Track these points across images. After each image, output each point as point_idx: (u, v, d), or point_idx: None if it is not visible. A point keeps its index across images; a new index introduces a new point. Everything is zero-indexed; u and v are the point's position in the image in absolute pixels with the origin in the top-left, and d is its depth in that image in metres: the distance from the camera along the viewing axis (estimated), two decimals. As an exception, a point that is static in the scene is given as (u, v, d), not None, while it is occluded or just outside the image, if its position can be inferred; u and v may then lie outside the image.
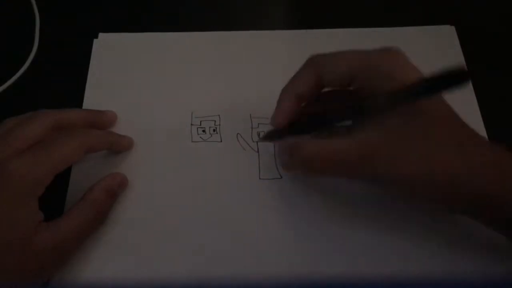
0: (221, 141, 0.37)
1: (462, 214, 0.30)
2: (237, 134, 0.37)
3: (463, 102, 0.38)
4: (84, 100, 0.39)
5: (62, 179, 0.33)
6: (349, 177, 0.31)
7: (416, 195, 0.29)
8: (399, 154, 0.28)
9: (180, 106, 0.38)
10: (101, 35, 0.42)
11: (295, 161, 0.31)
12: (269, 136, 0.34)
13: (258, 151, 0.36)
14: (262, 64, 0.41)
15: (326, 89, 0.32)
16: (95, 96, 0.39)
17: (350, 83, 0.29)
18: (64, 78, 0.41)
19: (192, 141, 0.37)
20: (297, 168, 0.32)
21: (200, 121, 0.38)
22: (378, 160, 0.28)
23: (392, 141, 0.28)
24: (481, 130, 0.37)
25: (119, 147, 0.36)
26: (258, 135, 0.37)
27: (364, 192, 0.34)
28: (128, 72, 0.40)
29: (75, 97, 0.39)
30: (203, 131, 0.37)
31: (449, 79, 0.25)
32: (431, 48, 0.42)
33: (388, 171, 0.28)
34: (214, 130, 0.37)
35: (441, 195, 0.28)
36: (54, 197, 0.30)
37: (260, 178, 0.35)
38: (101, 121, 0.36)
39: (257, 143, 0.36)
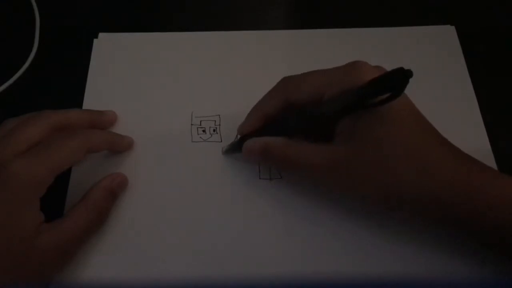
0: (221, 141, 0.37)
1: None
2: (237, 134, 0.37)
3: (464, 102, 0.39)
4: (84, 100, 0.39)
5: (62, 179, 0.33)
6: (314, 182, 0.33)
7: (380, 209, 0.31)
8: (357, 174, 0.29)
9: (180, 106, 0.38)
10: (101, 35, 0.42)
11: (264, 162, 0.33)
12: (233, 148, 0.35)
13: (258, 151, 0.36)
14: (262, 64, 0.41)
15: None
16: (95, 96, 0.39)
17: (318, 102, 0.30)
18: (64, 78, 0.41)
19: (192, 141, 0.37)
20: (264, 165, 0.35)
21: (200, 121, 0.38)
22: (343, 174, 0.29)
23: (356, 157, 0.28)
24: (482, 130, 0.37)
25: (119, 147, 0.36)
26: None
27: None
28: (128, 72, 0.40)
29: (75, 97, 0.39)
30: (203, 131, 0.37)
31: (391, 79, 0.25)
32: (431, 48, 0.42)
33: (348, 188, 0.30)
34: (214, 130, 0.37)
35: (402, 216, 0.30)
36: (54, 198, 0.30)
37: (260, 178, 0.35)
38: (101, 121, 0.36)
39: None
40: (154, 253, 0.32)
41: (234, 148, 0.35)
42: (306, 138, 0.31)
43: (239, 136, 0.35)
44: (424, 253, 0.32)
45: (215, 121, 0.38)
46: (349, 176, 0.29)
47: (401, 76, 0.24)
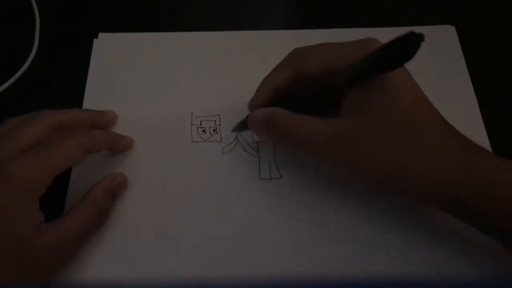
0: (221, 141, 0.37)
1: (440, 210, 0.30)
2: (237, 134, 0.37)
3: (464, 102, 0.39)
4: (84, 100, 0.39)
5: (62, 179, 0.33)
6: (317, 156, 0.32)
7: (381, 187, 0.31)
8: (360, 148, 0.28)
9: (180, 106, 0.38)
10: (101, 35, 0.42)
11: (269, 133, 0.32)
12: (242, 125, 0.35)
13: (258, 151, 0.36)
14: (262, 64, 0.40)
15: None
16: (95, 96, 0.39)
17: (329, 74, 0.29)
18: (64, 78, 0.41)
19: (192, 141, 0.37)
20: (268, 136, 0.33)
21: (200, 121, 0.38)
22: (347, 148, 0.28)
23: (359, 131, 0.28)
24: (482, 130, 0.37)
25: (119, 147, 0.36)
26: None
27: (364, 192, 0.34)
28: (128, 72, 0.40)
29: (75, 97, 0.39)
30: (203, 131, 0.37)
31: (401, 45, 0.25)
32: (431, 48, 0.41)
33: (349, 163, 0.29)
34: (214, 130, 0.37)
35: (408, 192, 0.29)
36: (54, 198, 0.30)
37: (260, 178, 0.35)
38: (101, 121, 0.36)
39: (257, 143, 0.37)
40: (154, 253, 0.32)
41: (243, 126, 0.34)
42: (315, 113, 0.30)
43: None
44: (424, 253, 0.32)
45: (215, 121, 0.38)
46: (351, 150, 0.28)
47: (414, 39, 0.24)
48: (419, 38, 0.24)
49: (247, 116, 0.34)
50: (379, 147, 0.28)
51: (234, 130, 0.36)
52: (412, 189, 0.29)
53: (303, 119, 0.30)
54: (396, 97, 0.28)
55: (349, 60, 0.28)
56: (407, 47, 0.24)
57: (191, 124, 0.38)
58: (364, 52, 0.27)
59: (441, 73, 0.40)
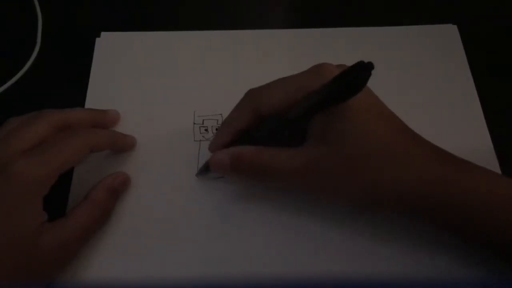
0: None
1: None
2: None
3: (466, 101, 0.39)
4: (87, 99, 0.39)
5: (64, 179, 0.33)
6: (290, 187, 0.32)
7: (359, 208, 0.31)
8: (332, 175, 0.28)
9: (182, 105, 0.38)
10: (103, 34, 0.42)
11: (237, 172, 0.31)
12: (206, 168, 0.34)
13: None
14: (264, 63, 0.41)
15: None
16: (98, 95, 0.39)
17: (286, 109, 0.29)
18: (66, 77, 0.41)
19: (194, 140, 0.37)
20: (237, 177, 0.32)
21: (203, 120, 0.38)
22: (319, 175, 0.28)
23: (329, 158, 0.28)
24: (483, 129, 0.37)
25: (122, 146, 0.36)
26: None
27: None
28: (131, 71, 0.40)
29: (78, 96, 0.39)
30: (206, 130, 0.37)
31: (353, 74, 0.24)
32: (433, 47, 0.42)
33: (324, 190, 0.29)
34: (216, 129, 0.37)
35: (384, 210, 0.30)
36: (56, 197, 0.30)
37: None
38: (104, 121, 0.36)
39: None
40: (155, 253, 0.32)
41: (208, 168, 0.33)
42: (280, 144, 0.30)
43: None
44: (425, 253, 0.32)
45: (217, 120, 0.38)
46: (324, 178, 0.28)
47: (363, 69, 0.24)
48: (368, 66, 0.24)
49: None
50: (347, 171, 0.28)
51: (198, 174, 0.35)
52: (387, 205, 0.29)
53: (272, 152, 0.29)
54: (354, 120, 0.28)
55: (305, 90, 0.28)
56: (357, 77, 0.24)
57: (194, 123, 0.38)
58: (318, 79, 0.27)
59: (443, 73, 0.40)
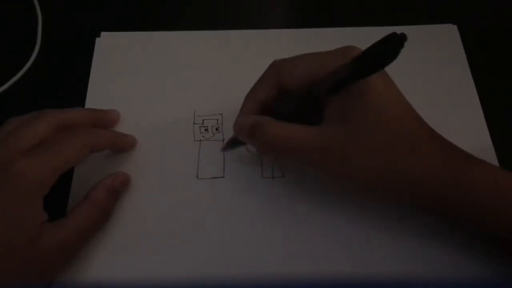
0: (223, 140, 0.37)
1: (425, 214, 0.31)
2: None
3: (466, 101, 0.39)
4: (87, 99, 0.39)
5: (64, 179, 0.33)
6: (304, 164, 0.32)
7: (370, 191, 0.31)
8: (347, 156, 0.28)
9: (182, 105, 0.38)
10: (103, 34, 0.42)
11: (255, 142, 0.31)
12: (232, 143, 0.34)
13: (260, 150, 0.36)
14: (264, 63, 0.40)
15: None
16: (98, 95, 0.39)
17: (310, 84, 0.30)
18: (66, 77, 0.41)
19: (194, 140, 0.37)
20: (256, 144, 0.32)
21: (203, 120, 0.38)
22: (337, 154, 0.29)
23: (346, 139, 0.28)
24: (484, 129, 0.37)
25: (122, 146, 0.36)
26: None
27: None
28: (131, 71, 0.40)
29: (78, 96, 0.39)
30: (206, 130, 0.37)
31: (383, 46, 0.24)
32: (433, 47, 0.42)
33: (337, 171, 0.30)
34: (216, 129, 0.37)
35: (396, 196, 0.30)
36: (57, 197, 0.30)
37: (262, 177, 0.35)
38: (104, 120, 0.36)
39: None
40: (155, 253, 0.32)
41: (232, 143, 0.34)
42: (300, 121, 0.30)
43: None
44: (425, 253, 0.32)
45: (217, 120, 0.38)
46: (339, 159, 0.29)
47: (396, 39, 0.24)
48: (402, 38, 0.24)
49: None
50: (364, 153, 0.28)
51: (224, 149, 0.35)
52: (400, 190, 0.29)
53: (290, 127, 0.30)
54: (376, 103, 0.28)
55: (330, 69, 0.28)
56: (390, 47, 0.24)
57: (194, 123, 0.38)
58: (344, 59, 0.27)
59: (443, 72, 0.40)
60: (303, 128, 0.29)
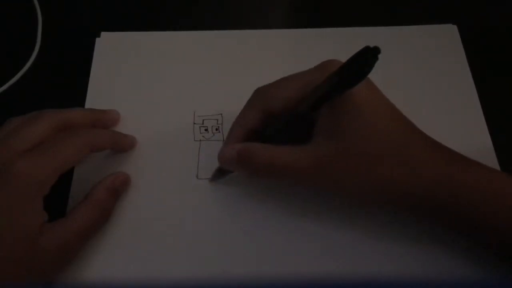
0: (223, 140, 0.37)
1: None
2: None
3: (466, 101, 0.39)
4: (87, 99, 0.39)
5: (64, 179, 0.33)
6: (298, 183, 0.32)
7: (364, 203, 0.32)
8: (341, 171, 0.28)
9: (182, 105, 0.38)
10: (103, 34, 0.42)
11: (244, 168, 0.31)
12: (219, 172, 0.34)
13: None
14: (264, 63, 0.41)
15: None
16: (98, 95, 0.39)
17: (295, 105, 0.30)
18: (66, 77, 0.41)
19: (194, 140, 0.37)
20: (244, 172, 0.33)
21: (203, 120, 0.38)
22: (329, 172, 0.29)
23: (338, 154, 0.28)
24: (483, 129, 0.37)
25: (122, 146, 0.36)
26: None
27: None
28: (131, 71, 0.40)
29: (78, 96, 0.39)
30: (206, 130, 0.37)
31: (360, 59, 0.24)
32: (433, 47, 0.42)
33: (333, 186, 0.30)
34: (216, 129, 0.37)
35: (390, 207, 0.30)
36: (57, 197, 0.30)
37: (262, 177, 0.35)
38: (104, 120, 0.36)
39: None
40: (155, 253, 0.32)
41: (219, 173, 0.34)
42: (287, 142, 0.30)
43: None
44: (425, 253, 0.32)
45: (217, 120, 0.38)
46: (329, 176, 0.29)
47: (369, 54, 0.24)
48: (375, 51, 0.24)
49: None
50: (353, 168, 0.28)
51: (211, 180, 0.35)
52: (394, 201, 0.29)
53: (279, 150, 0.29)
54: (362, 116, 0.28)
55: (313, 85, 0.28)
56: (365, 61, 0.24)
57: (194, 123, 0.38)
58: (326, 74, 0.27)
59: (443, 73, 0.40)
60: (290, 149, 0.29)
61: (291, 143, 0.30)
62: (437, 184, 0.28)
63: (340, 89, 0.27)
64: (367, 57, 0.24)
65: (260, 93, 0.32)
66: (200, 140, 0.37)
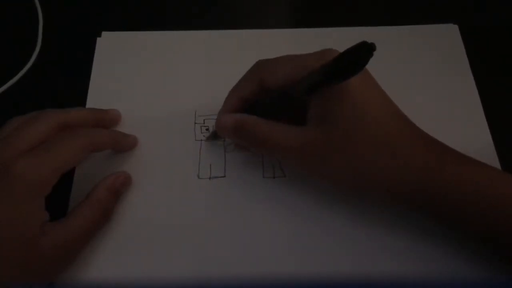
0: (224, 140, 0.37)
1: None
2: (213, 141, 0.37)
3: (466, 101, 0.39)
4: (88, 99, 0.39)
5: (65, 178, 0.33)
6: (286, 163, 0.33)
7: (352, 191, 0.32)
8: (328, 158, 0.29)
9: (183, 104, 0.38)
10: (104, 33, 0.42)
11: (239, 138, 0.32)
12: (216, 136, 0.35)
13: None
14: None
15: None
16: (99, 95, 0.39)
17: (290, 85, 0.30)
18: (67, 77, 0.41)
19: (195, 140, 0.37)
20: (238, 141, 0.34)
21: (204, 120, 0.38)
22: (314, 155, 0.29)
23: (326, 141, 0.29)
24: (484, 129, 0.37)
25: (123, 146, 0.36)
26: None
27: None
28: (131, 71, 0.40)
29: (79, 96, 0.39)
30: (207, 129, 0.37)
31: (354, 54, 0.25)
32: (434, 47, 0.42)
33: (319, 172, 0.30)
34: (217, 129, 0.37)
35: (377, 195, 0.31)
36: (58, 197, 0.30)
37: (263, 177, 0.35)
38: (105, 120, 0.36)
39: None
40: (155, 253, 0.32)
41: (216, 136, 0.35)
42: (283, 121, 0.31)
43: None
44: (426, 253, 0.32)
45: (218, 120, 0.38)
46: (319, 160, 0.29)
47: (365, 49, 0.24)
48: (370, 47, 0.24)
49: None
50: (342, 155, 0.28)
51: (207, 139, 0.36)
52: (381, 190, 0.29)
53: (273, 126, 0.30)
54: (355, 106, 0.28)
55: (309, 70, 0.28)
56: (359, 56, 0.24)
57: (195, 123, 0.38)
58: (322, 62, 0.27)
59: (444, 72, 0.40)
60: (285, 128, 0.30)
61: (283, 121, 0.30)
62: (427, 175, 0.28)
63: (330, 80, 0.27)
64: (361, 52, 0.24)
65: (259, 66, 0.32)
66: (201, 140, 0.37)
